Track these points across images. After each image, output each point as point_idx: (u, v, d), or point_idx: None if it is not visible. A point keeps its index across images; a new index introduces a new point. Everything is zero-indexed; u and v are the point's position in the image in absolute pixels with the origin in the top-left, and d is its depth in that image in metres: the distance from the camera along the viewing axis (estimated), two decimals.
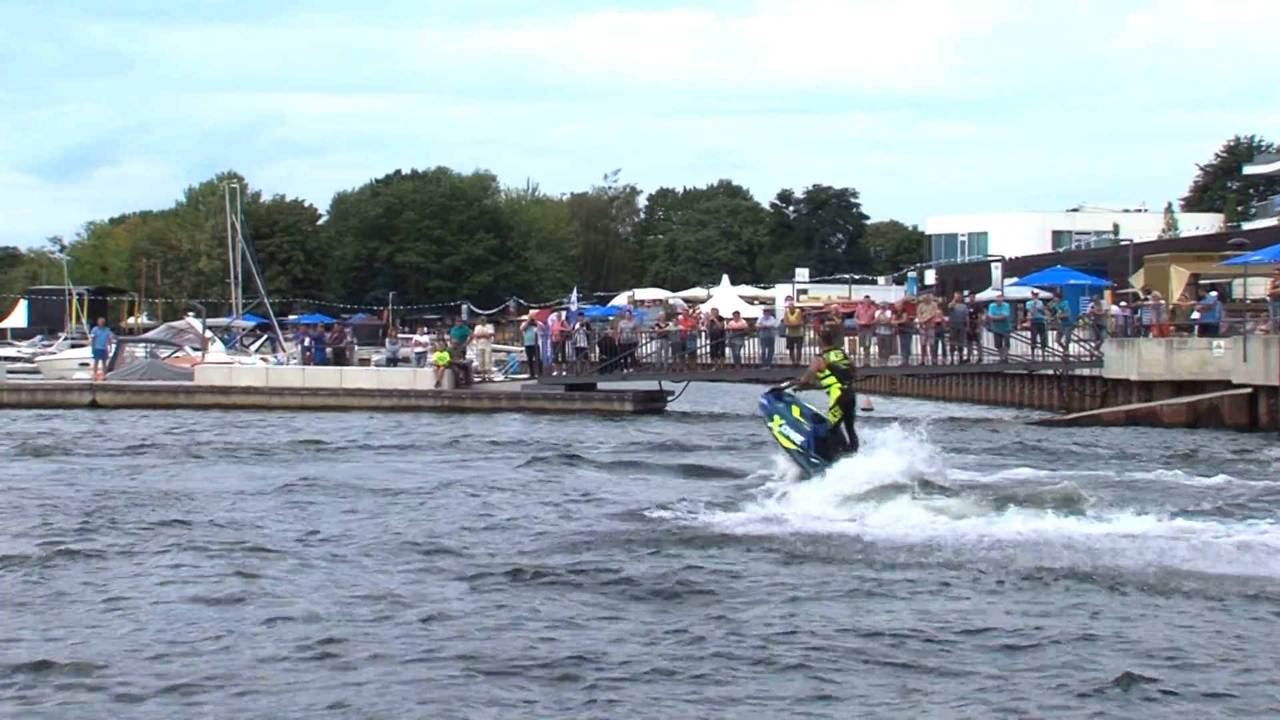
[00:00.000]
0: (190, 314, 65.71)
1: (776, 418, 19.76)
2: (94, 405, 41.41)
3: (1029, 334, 41.76)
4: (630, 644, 11.08)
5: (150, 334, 56.12)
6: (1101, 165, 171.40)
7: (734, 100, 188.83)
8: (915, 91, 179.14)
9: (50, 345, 63.68)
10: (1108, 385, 39.16)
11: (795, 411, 19.69)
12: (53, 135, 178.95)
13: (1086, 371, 40.42)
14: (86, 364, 47.27)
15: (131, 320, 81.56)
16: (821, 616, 12.05)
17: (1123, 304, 44.29)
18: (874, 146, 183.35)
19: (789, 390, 20.43)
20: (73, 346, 56.84)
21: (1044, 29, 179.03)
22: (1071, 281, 56.50)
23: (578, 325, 44.13)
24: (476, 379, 44.33)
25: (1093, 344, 40.82)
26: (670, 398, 42.51)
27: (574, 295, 61.87)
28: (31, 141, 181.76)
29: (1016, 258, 70.55)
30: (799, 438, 19.42)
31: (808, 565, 14.41)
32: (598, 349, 43.60)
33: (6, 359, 53.98)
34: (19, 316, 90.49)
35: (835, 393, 19.25)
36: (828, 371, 19.39)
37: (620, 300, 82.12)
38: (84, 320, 68.93)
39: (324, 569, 14.18)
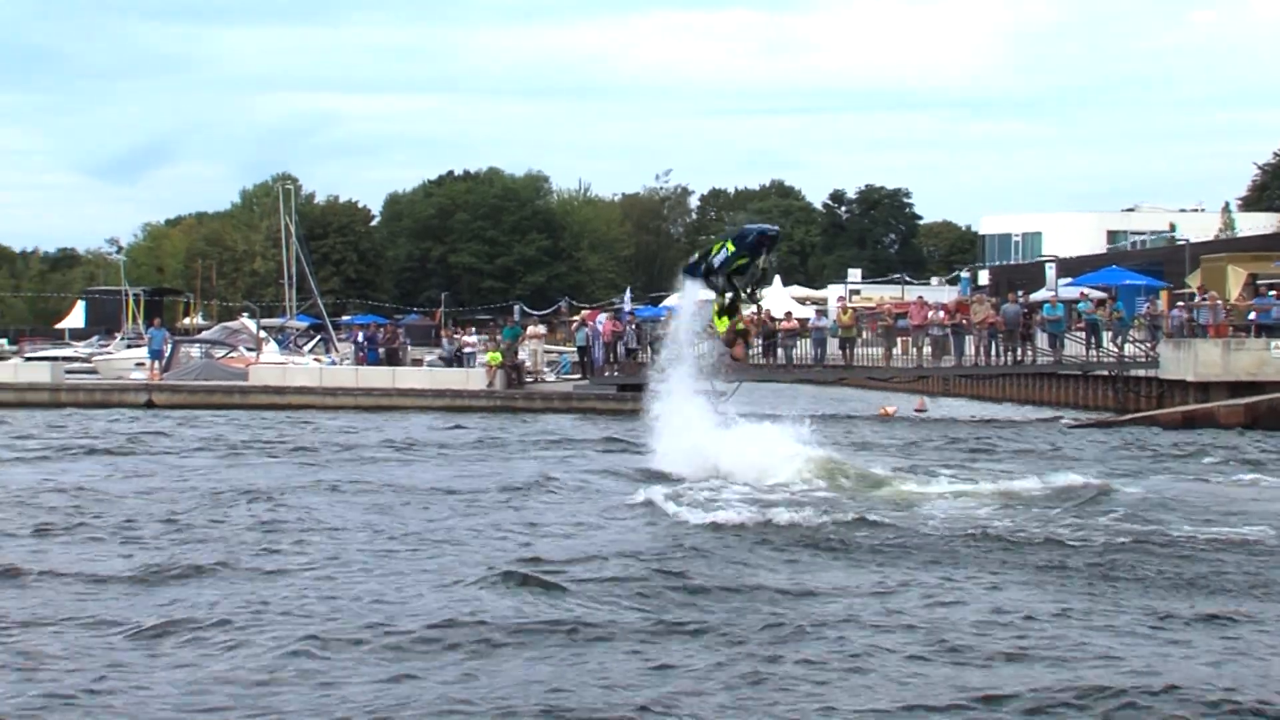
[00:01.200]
0: (245, 315, 66.11)
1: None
2: (150, 405, 41.73)
3: (1083, 335, 41.50)
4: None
5: (205, 334, 56.55)
6: (1158, 164, 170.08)
7: (786, 99, 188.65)
8: (969, 89, 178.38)
9: (107, 345, 64.17)
10: (1163, 386, 38.87)
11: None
12: (109, 136, 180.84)
13: (1142, 372, 40.11)
14: (143, 364, 47.66)
15: (187, 321, 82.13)
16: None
17: (1180, 304, 43.90)
18: (927, 146, 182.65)
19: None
20: (129, 347, 57.29)
21: (1099, 26, 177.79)
22: (1127, 282, 56.09)
23: (630, 325, 44.15)
24: (528, 379, 44.44)
25: (1148, 344, 40.52)
26: (722, 398, 42.40)
27: (627, 295, 61.86)
28: (88, 143, 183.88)
29: (1071, 258, 70.01)
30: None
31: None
32: (649, 349, 43.58)
33: (64, 359, 54.43)
34: (77, 317, 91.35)
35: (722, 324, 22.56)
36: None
37: (672, 301, 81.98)
38: (140, 321, 69.46)
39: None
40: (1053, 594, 13.03)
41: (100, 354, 58.32)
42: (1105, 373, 41.46)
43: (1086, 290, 51.04)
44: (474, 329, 63.52)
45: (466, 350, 48.71)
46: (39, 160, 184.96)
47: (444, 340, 51.82)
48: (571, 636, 11.33)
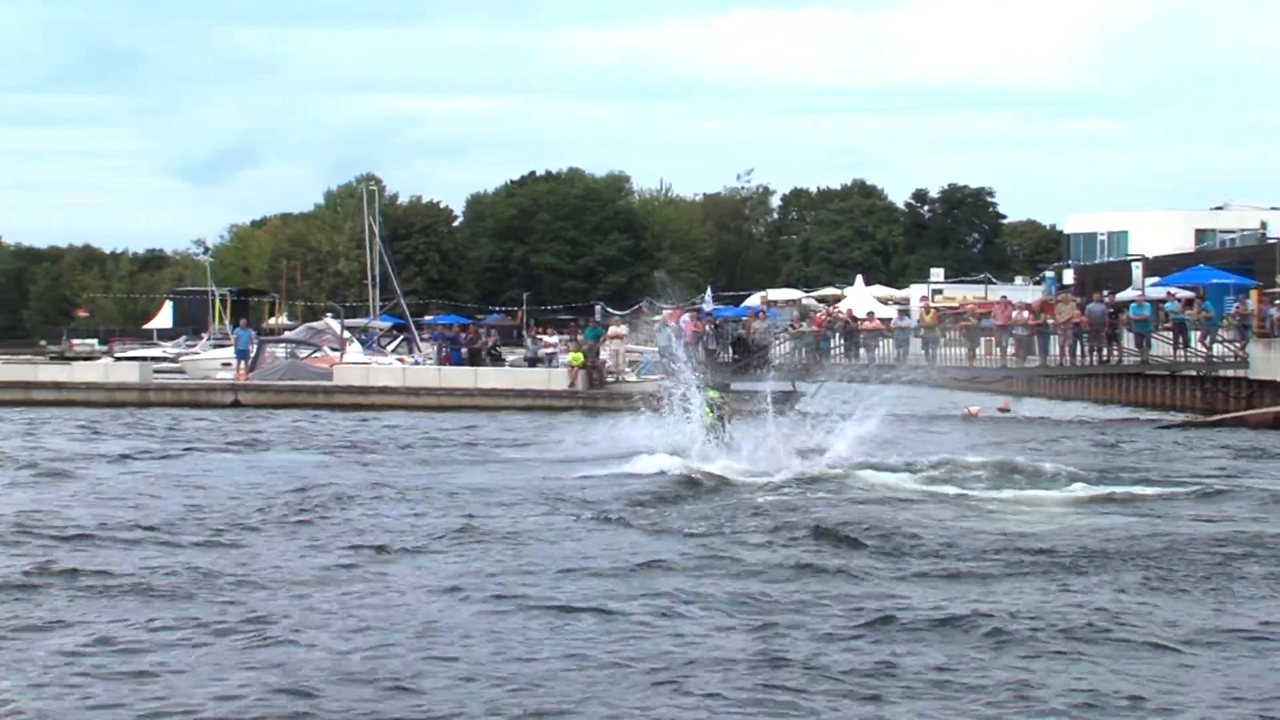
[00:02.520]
0: (329, 315, 66.74)
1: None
2: (236, 405, 42.23)
3: (1170, 334, 40.92)
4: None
5: (290, 334, 57.09)
6: (1247, 161, 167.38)
7: (869, 98, 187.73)
8: (1056, 87, 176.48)
9: (194, 345, 65.05)
10: (1253, 386, 38.26)
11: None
12: (196, 138, 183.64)
13: (1231, 373, 39.51)
14: (229, 364, 48.21)
15: (272, 321, 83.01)
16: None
17: (1277, 304, 43.15)
18: (1012, 144, 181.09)
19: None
20: (215, 347, 58.01)
21: (1187, 22, 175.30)
22: (1215, 281, 55.22)
23: (710, 325, 44.12)
24: (610, 379, 44.50)
25: (1237, 344, 39.91)
26: (802, 398, 42.29)
27: (707, 295, 61.79)
28: (176, 145, 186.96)
29: (1158, 257, 69.07)
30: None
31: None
32: (730, 349, 43.56)
33: (153, 359, 55.21)
34: (165, 317, 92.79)
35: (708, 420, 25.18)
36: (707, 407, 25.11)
37: (753, 301, 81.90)
38: (227, 321, 70.34)
39: None
40: None
41: (187, 354, 59.12)
42: (1193, 373, 40.87)
43: (1173, 290, 50.31)
44: (552, 329, 63.66)
45: (546, 350, 48.87)
46: (128, 162, 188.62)
47: (528, 341, 52.06)
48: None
